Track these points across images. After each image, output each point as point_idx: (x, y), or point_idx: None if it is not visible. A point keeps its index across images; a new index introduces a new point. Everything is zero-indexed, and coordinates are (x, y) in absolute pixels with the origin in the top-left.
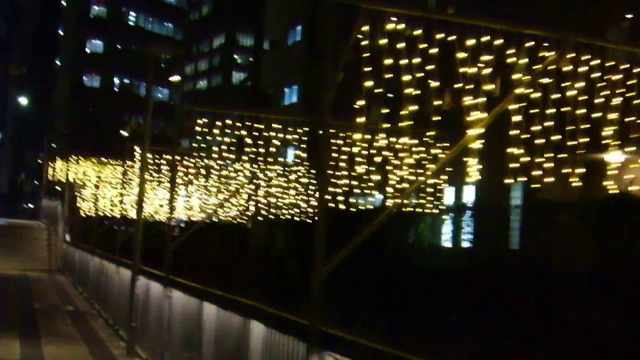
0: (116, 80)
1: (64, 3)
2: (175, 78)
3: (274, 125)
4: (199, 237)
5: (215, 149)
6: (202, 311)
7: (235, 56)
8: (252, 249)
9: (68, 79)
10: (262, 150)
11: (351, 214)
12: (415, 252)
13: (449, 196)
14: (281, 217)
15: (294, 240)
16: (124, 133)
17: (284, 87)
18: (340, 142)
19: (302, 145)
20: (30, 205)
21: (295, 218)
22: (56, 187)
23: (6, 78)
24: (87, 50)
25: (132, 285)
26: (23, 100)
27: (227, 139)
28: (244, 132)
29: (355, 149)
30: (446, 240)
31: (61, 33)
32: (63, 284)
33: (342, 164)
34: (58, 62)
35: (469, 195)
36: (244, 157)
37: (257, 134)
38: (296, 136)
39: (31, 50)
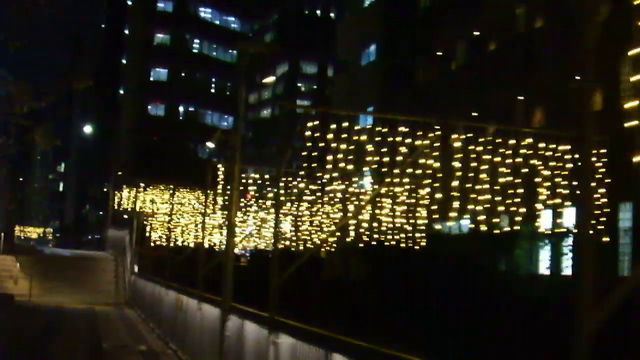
0: (181, 109)
1: (127, 32)
2: (270, 79)
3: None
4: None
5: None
6: None
7: (299, 84)
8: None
9: (132, 108)
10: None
11: None
12: (512, 280)
13: (546, 219)
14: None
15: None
16: (210, 145)
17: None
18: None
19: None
20: (96, 236)
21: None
22: (124, 215)
23: (70, 107)
24: (151, 79)
25: (222, 327)
26: (87, 129)
27: (343, 146)
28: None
29: None
30: (545, 268)
31: (124, 62)
32: (132, 318)
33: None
34: (122, 92)
35: (569, 217)
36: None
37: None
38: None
39: (94, 81)
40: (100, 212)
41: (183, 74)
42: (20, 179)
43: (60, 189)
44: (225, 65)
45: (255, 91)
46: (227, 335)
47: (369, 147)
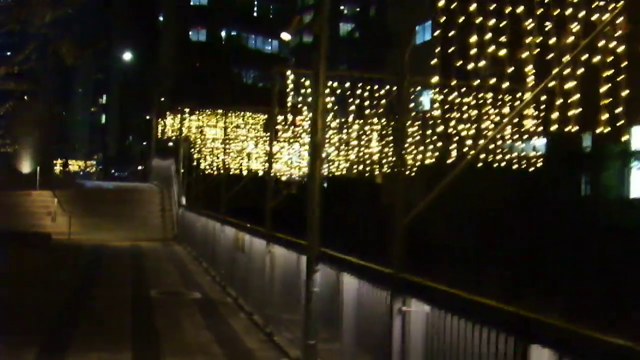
0: (223, 34)
1: None
2: (286, 37)
3: None
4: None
5: None
6: None
7: (342, 7)
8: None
9: (172, 34)
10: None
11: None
12: (599, 206)
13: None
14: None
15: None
16: (286, 37)
17: (415, 25)
18: None
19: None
20: (140, 168)
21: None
22: (169, 144)
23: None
24: (191, 3)
25: (309, 278)
26: (127, 56)
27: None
28: None
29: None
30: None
31: None
32: (182, 256)
33: None
34: (161, 18)
35: None
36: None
37: None
38: None
39: (133, 8)
40: (144, 143)
41: None
42: (63, 113)
43: (103, 121)
44: None
45: (298, 14)
46: (316, 292)
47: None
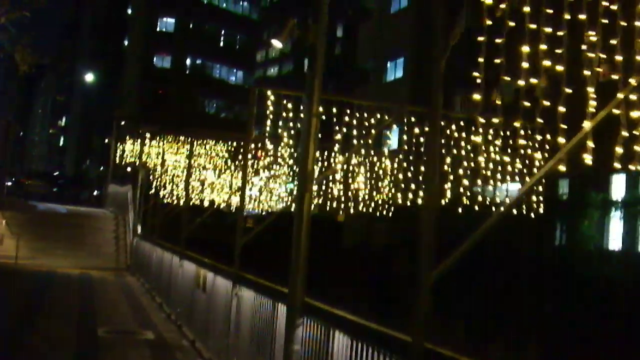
0: (188, 61)
1: None
2: (278, 44)
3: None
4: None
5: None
6: None
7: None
8: (346, 245)
9: (137, 59)
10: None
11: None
12: (576, 256)
13: (618, 186)
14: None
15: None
16: (277, 44)
17: (386, 61)
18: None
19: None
20: (95, 192)
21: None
22: (127, 169)
23: (73, 62)
24: (158, 29)
25: (289, 333)
26: (89, 77)
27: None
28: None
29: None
30: (613, 241)
31: (129, 11)
32: (134, 289)
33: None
34: (126, 43)
35: None
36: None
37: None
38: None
39: (99, 32)
40: (102, 168)
41: (191, 25)
42: (21, 133)
43: (61, 143)
44: (236, 17)
45: (262, 48)
46: (296, 351)
47: None
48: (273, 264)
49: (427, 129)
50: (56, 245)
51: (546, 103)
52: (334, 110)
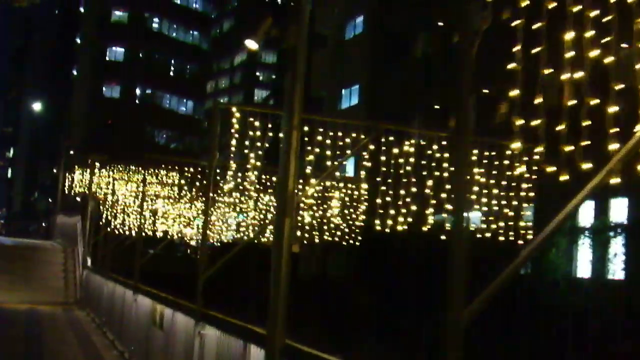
0: (138, 91)
1: (82, 9)
2: (252, 45)
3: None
4: (232, 265)
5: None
6: None
7: (258, 73)
8: (302, 277)
9: (86, 89)
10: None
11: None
12: (544, 285)
13: (586, 212)
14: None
15: (357, 266)
16: (252, 45)
17: (341, 89)
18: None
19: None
20: (44, 225)
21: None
22: (77, 198)
23: (20, 92)
24: (107, 59)
25: None
26: (37, 106)
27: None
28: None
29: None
30: (582, 270)
31: (78, 41)
32: (84, 324)
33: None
34: (75, 72)
35: (618, 210)
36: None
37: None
38: None
39: (48, 62)
40: (50, 200)
41: (141, 54)
42: None
43: (9, 175)
44: (186, 46)
45: (212, 79)
46: None
47: None
48: (234, 299)
49: (411, 149)
50: (1, 278)
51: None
52: (306, 128)
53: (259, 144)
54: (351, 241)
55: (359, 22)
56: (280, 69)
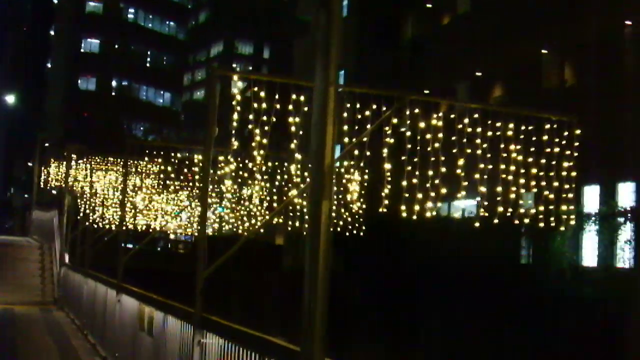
0: (114, 83)
1: (55, 0)
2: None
3: None
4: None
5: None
6: None
7: (235, 64)
8: (287, 270)
9: (61, 81)
10: None
11: None
12: (550, 275)
13: (592, 198)
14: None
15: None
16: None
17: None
18: None
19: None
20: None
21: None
22: (53, 191)
23: None
24: (82, 50)
25: None
26: (10, 99)
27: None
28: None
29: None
30: (588, 259)
31: (53, 32)
32: (63, 326)
33: None
34: (49, 65)
35: (627, 195)
36: None
37: None
38: None
39: (21, 54)
40: (26, 195)
41: (116, 46)
42: None
43: None
44: (162, 37)
45: (189, 71)
46: None
47: None
48: (232, 301)
49: (439, 123)
50: None
51: None
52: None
53: (264, 118)
54: (363, 232)
55: (343, 5)
56: (257, 59)
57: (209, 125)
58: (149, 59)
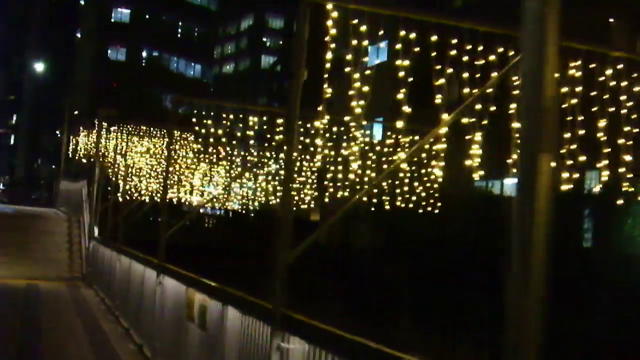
0: (144, 54)
1: None
2: None
3: None
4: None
5: None
6: None
7: (265, 39)
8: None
9: (90, 51)
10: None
11: None
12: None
13: None
14: None
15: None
16: None
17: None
18: None
19: None
20: (46, 193)
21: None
22: (83, 160)
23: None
24: (112, 20)
25: None
26: (39, 67)
27: None
28: None
29: None
30: None
31: (82, 2)
32: (92, 306)
33: None
34: (79, 34)
35: None
36: None
37: None
38: None
39: (50, 25)
40: (54, 166)
41: (147, 16)
42: None
43: (12, 142)
44: (193, 7)
45: (218, 44)
46: None
47: None
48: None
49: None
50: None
51: None
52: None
53: (365, 59)
54: (429, 208)
55: None
56: (288, 34)
57: (296, 68)
58: (179, 30)
